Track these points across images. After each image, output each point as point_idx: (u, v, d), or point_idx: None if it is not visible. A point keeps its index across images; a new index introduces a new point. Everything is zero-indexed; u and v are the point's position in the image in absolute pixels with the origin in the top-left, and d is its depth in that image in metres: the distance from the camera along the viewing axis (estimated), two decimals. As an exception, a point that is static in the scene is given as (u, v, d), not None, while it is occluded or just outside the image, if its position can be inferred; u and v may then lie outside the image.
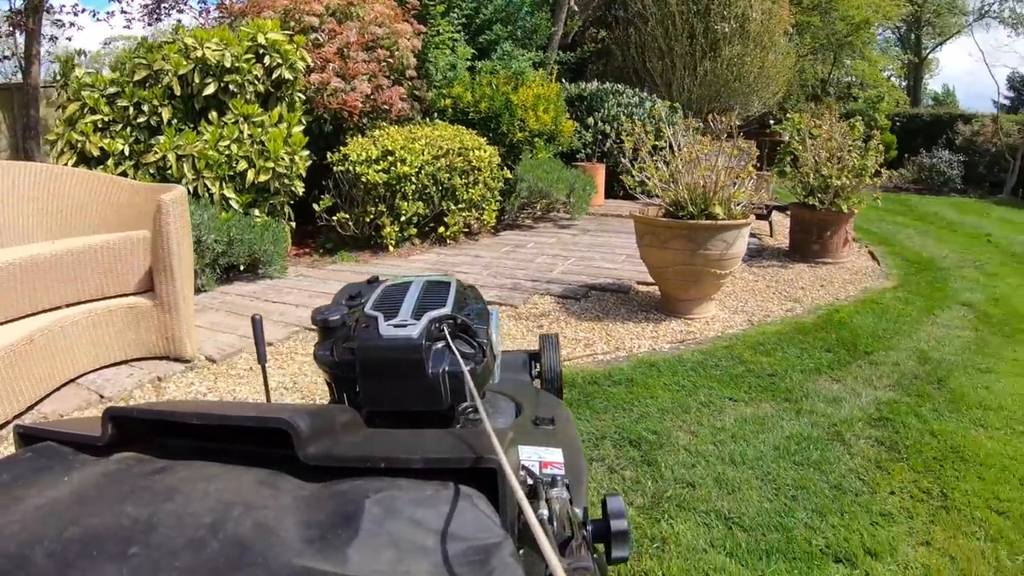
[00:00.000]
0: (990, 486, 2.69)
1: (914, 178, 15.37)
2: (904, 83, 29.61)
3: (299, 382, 3.46)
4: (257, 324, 1.57)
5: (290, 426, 0.66)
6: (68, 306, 3.33)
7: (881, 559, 2.22)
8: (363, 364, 1.31)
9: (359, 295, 1.60)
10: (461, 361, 1.24)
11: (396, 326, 1.33)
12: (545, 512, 0.76)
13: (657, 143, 4.87)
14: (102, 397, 3.21)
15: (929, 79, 34.73)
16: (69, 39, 15.64)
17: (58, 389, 3.23)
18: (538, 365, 2.20)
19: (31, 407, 3.03)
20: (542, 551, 0.52)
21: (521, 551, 0.62)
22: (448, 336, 1.33)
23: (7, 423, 2.86)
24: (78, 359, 3.32)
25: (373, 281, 1.72)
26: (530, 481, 0.82)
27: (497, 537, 0.58)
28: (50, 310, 3.27)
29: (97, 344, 3.40)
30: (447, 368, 1.30)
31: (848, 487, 2.64)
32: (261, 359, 1.56)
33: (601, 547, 0.85)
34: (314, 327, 1.47)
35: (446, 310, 1.41)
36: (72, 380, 3.32)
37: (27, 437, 0.81)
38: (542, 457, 1.16)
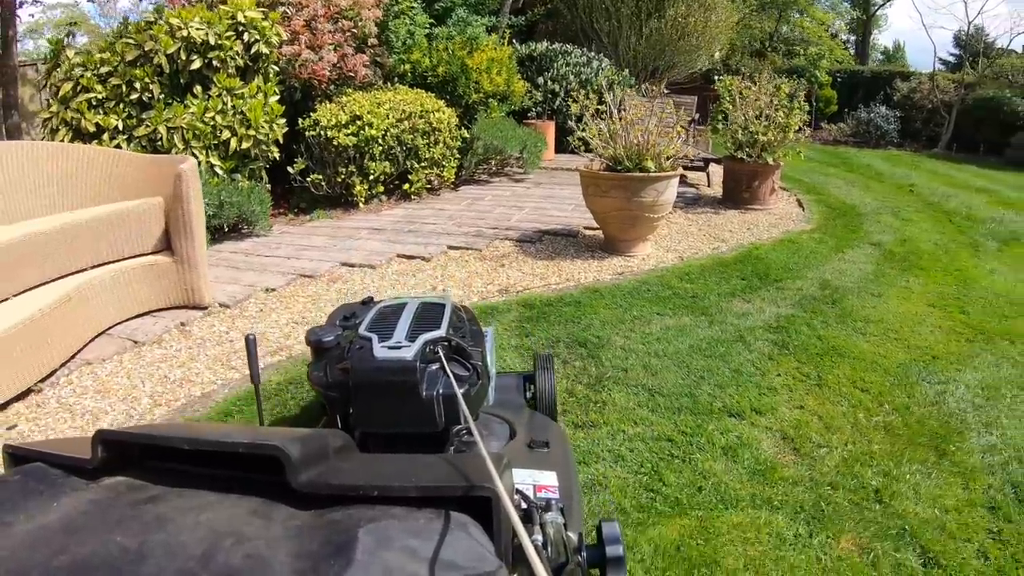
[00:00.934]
0: (859, 373, 3.41)
1: (852, 132, 15.78)
2: (852, 39, 30.21)
3: (308, 317, 4.06)
4: (251, 344, 1.48)
5: (282, 453, 0.65)
6: (93, 267, 3.72)
7: (764, 415, 2.98)
8: (357, 385, 1.32)
9: (353, 315, 1.62)
10: (455, 384, 1.23)
11: (391, 348, 1.35)
12: (540, 538, 0.76)
13: (600, 107, 5.54)
14: (135, 343, 3.65)
15: (878, 35, 35.48)
16: (32, 16, 15.47)
17: (92, 340, 3.60)
18: (532, 387, 2.27)
19: (74, 355, 3.40)
20: None
21: None
22: (443, 358, 1.34)
23: (55, 371, 3.25)
24: (107, 313, 3.72)
25: (368, 302, 1.78)
26: (524, 505, 0.82)
27: (491, 566, 0.58)
28: (79, 271, 3.65)
29: (122, 299, 3.81)
30: (441, 390, 1.30)
31: (744, 371, 3.39)
32: (255, 379, 1.50)
33: (596, 573, 0.88)
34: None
35: (440, 332, 1.42)
36: (103, 332, 3.69)
37: (17, 457, 0.79)
38: (536, 481, 1.19)
